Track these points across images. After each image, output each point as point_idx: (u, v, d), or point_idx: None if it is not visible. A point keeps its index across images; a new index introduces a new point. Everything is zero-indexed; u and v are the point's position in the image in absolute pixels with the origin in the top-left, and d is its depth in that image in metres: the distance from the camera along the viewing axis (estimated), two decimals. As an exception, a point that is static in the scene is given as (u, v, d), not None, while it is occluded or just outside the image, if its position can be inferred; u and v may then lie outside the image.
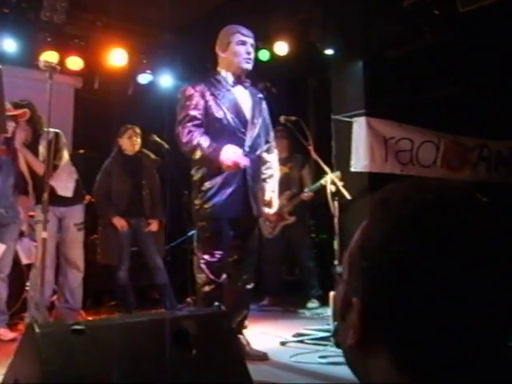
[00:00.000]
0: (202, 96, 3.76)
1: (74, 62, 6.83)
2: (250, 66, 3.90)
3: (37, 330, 1.81)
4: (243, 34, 3.88)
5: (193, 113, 3.72)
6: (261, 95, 4.12)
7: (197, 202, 3.81)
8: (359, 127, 5.69)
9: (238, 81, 3.92)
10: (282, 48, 6.59)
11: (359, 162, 5.66)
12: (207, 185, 3.75)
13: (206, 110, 3.75)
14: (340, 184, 4.14)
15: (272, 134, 4.19)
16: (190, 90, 3.79)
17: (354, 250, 0.77)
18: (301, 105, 7.73)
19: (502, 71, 6.32)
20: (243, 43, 3.86)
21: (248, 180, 3.81)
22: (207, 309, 2.89)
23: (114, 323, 2.07)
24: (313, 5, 6.07)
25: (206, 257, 3.76)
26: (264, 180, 4.07)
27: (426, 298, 0.67)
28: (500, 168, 6.47)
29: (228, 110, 3.79)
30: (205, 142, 3.60)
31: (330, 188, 4.16)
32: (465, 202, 0.73)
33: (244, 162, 3.59)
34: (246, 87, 3.96)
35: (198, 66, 6.91)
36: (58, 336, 1.86)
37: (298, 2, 6.25)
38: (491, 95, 6.38)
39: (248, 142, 3.82)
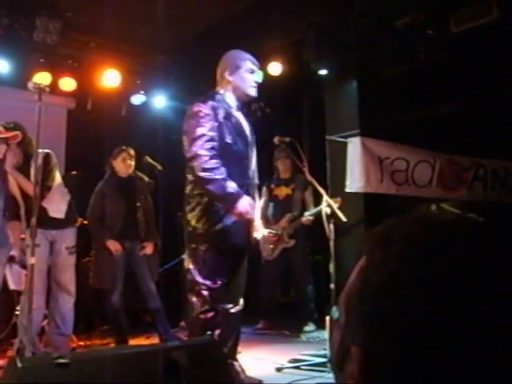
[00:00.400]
0: (216, 116, 3.67)
1: (67, 83, 6.81)
2: (255, 94, 3.90)
3: (19, 364, 1.73)
4: (253, 63, 3.91)
5: (211, 133, 3.60)
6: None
7: (200, 224, 3.66)
8: (354, 148, 5.64)
9: (239, 105, 3.91)
10: (275, 68, 6.58)
11: (354, 182, 5.60)
12: (214, 209, 3.65)
13: (219, 131, 3.66)
14: (335, 206, 4.07)
15: None
16: (206, 109, 3.66)
17: (351, 292, 0.71)
18: (295, 125, 7.70)
19: (496, 90, 6.32)
20: (252, 72, 3.89)
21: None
22: (198, 338, 2.80)
23: (101, 356, 1.99)
24: (306, 25, 6.05)
25: (208, 283, 3.62)
26: None
27: (433, 349, 0.60)
28: (496, 187, 6.44)
29: (237, 134, 3.76)
30: (225, 181, 3.51)
31: (326, 210, 4.09)
32: (473, 241, 0.67)
33: (252, 214, 3.64)
34: (243, 112, 3.96)
35: (191, 86, 6.89)
36: (41, 370, 1.78)
37: (292, 23, 6.24)
38: (486, 114, 6.38)
39: (251, 168, 3.84)
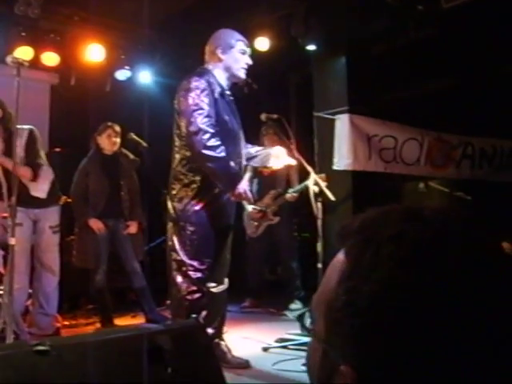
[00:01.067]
0: (212, 92, 3.60)
1: (50, 58, 6.64)
2: (244, 76, 3.84)
3: (-5, 352, 1.67)
4: (246, 45, 3.86)
5: (209, 109, 3.52)
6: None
7: (192, 202, 3.59)
8: (342, 125, 5.58)
9: (231, 86, 3.86)
10: (263, 44, 6.46)
11: (342, 160, 5.55)
12: (207, 190, 3.59)
13: (215, 109, 3.59)
14: (323, 185, 4.02)
15: None
16: (203, 83, 3.57)
17: (332, 301, 0.63)
18: (283, 101, 7.61)
19: (485, 68, 6.27)
20: (244, 53, 3.82)
21: None
22: (183, 322, 2.75)
23: (82, 341, 1.93)
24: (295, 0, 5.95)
25: (195, 263, 3.58)
26: (257, 156, 4.07)
27: (442, 365, 0.54)
28: (483, 165, 6.44)
29: (230, 113, 3.74)
30: (227, 161, 3.49)
31: (313, 189, 4.03)
32: (470, 235, 0.61)
33: (251, 200, 3.76)
34: (230, 95, 3.87)
35: (177, 62, 6.77)
36: (19, 358, 1.72)
37: (280, -3, 6.13)
38: (475, 92, 6.34)
39: (241, 148, 3.82)
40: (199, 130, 3.43)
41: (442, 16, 5.60)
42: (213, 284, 3.77)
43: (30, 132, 4.66)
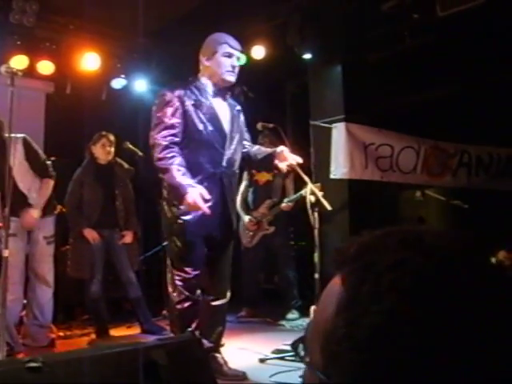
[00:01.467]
0: (182, 103, 3.58)
1: (45, 67, 6.62)
2: (233, 79, 3.74)
3: (-14, 369, 1.63)
4: (231, 46, 3.72)
5: (171, 121, 3.53)
6: (239, 108, 3.96)
7: (170, 215, 3.64)
8: (338, 133, 5.56)
9: (219, 92, 3.76)
10: (259, 52, 6.45)
11: (339, 168, 5.53)
12: (179, 211, 3.57)
13: (185, 119, 3.58)
14: (320, 194, 3.99)
15: (249, 145, 4.05)
16: (169, 95, 3.60)
17: (328, 332, 0.59)
18: (279, 110, 7.60)
19: (481, 76, 6.26)
20: (229, 55, 3.71)
21: (224, 196, 3.67)
22: (178, 336, 2.72)
23: (76, 357, 1.89)
24: (290, 8, 5.94)
25: (180, 273, 3.59)
26: (246, 149, 3.96)
27: None
28: (480, 174, 6.41)
29: (208, 121, 3.64)
30: (178, 171, 3.43)
31: (310, 198, 4.01)
32: (472, 265, 0.58)
33: (206, 209, 3.41)
34: (225, 99, 3.81)
35: (173, 70, 6.75)
36: (10, 376, 1.68)
37: (276, 6, 6.13)
38: (472, 100, 6.33)
39: (226, 156, 3.68)
40: (154, 144, 3.53)
41: (437, 24, 5.60)
42: (211, 297, 3.76)
43: (24, 141, 4.64)
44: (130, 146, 5.71)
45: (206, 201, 3.45)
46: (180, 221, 3.56)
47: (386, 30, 5.98)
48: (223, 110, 3.77)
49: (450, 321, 0.53)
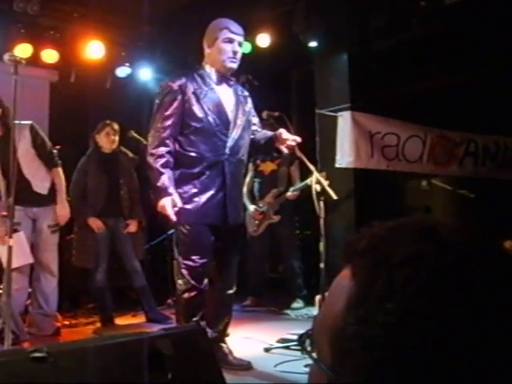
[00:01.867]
0: (183, 93, 3.56)
1: (50, 55, 6.60)
2: (234, 66, 3.67)
3: (-10, 359, 1.62)
4: (231, 31, 3.63)
5: (168, 112, 3.55)
6: (246, 93, 3.91)
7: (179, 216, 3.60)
8: (344, 122, 5.52)
9: (222, 78, 3.70)
10: (264, 40, 6.41)
11: (344, 157, 5.49)
12: (184, 188, 3.56)
13: (186, 108, 3.56)
14: (326, 183, 3.96)
15: (258, 122, 4.00)
16: (170, 86, 3.60)
17: (338, 327, 0.57)
18: (284, 98, 7.55)
19: (488, 64, 6.21)
20: (230, 41, 3.63)
21: (227, 185, 3.60)
22: (184, 326, 2.71)
23: (80, 348, 1.88)
24: (296, -5, 5.89)
25: (187, 262, 3.56)
26: (254, 135, 3.89)
27: None
28: (487, 163, 6.37)
29: (210, 109, 3.59)
30: (160, 174, 3.48)
31: (316, 188, 3.98)
32: (492, 260, 0.56)
33: (172, 219, 3.47)
34: (230, 85, 3.74)
35: (178, 59, 6.72)
36: (15, 365, 1.67)
37: (281, -7, 6.08)
38: (478, 88, 6.27)
39: (229, 144, 3.62)
40: (151, 135, 3.60)
41: (444, 12, 5.55)
42: (218, 287, 3.76)
43: (31, 128, 4.64)
44: (135, 135, 5.69)
45: (206, 191, 3.51)
46: (186, 208, 3.54)
47: (392, 18, 5.93)
48: (227, 96, 3.71)
49: (469, 319, 0.50)
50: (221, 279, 3.76)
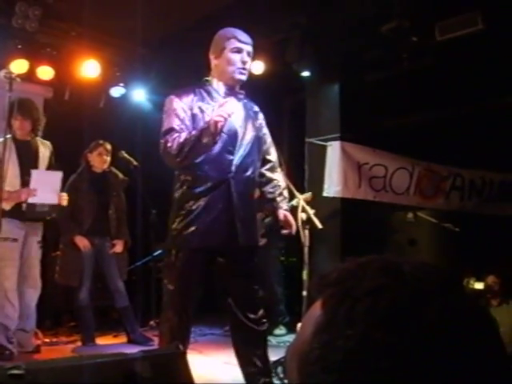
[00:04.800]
0: (190, 108, 3.35)
1: (45, 72, 6.65)
2: (244, 77, 3.43)
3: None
4: (239, 41, 3.39)
5: (178, 127, 3.30)
6: (257, 109, 3.66)
7: (174, 225, 3.37)
8: (333, 152, 5.60)
9: (231, 92, 3.42)
10: (258, 67, 6.49)
11: (332, 187, 5.56)
12: (187, 207, 3.31)
13: (192, 124, 3.34)
14: (311, 212, 4.01)
15: (273, 152, 3.72)
16: (177, 101, 3.35)
17: (305, 353, 0.61)
18: (275, 126, 7.60)
19: (476, 101, 6.33)
20: (239, 51, 3.38)
21: (234, 202, 3.34)
22: (163, 348, 2.72)
23: (59, 366, 1.90)
24: (291, 25, 5.99)
25: (170, 287, 3.39)
26: (273, 200, 3.64)
27: None
28: (473, 197, 6.46)
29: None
30: (188, 134, 3.22)
31: (301, 216, 4.02)
32: (450, 297, 0.60)
33: (229, 110, 3.17)
34: (239, 99, 3.46)
35: (171, 81, 6.77)
36: (-7, 383, 1.69)
37: (276, 22, 6.17)
38: (466, 124, 6.39)
39: (236, 161, 3.37)
40: (165, 151, 3.29)
41: (436, 48, 5.66)
42: (240, 314, 3.50)
43: (51, 148, 4.79)
44: (126, 156, 5.73)
45: (211, 212, 3.28)
46: (184, 232, 3.32)
47: (384, 52, 6.04)
48: (236, 111, 3.42)
49: (420, 349, 0.54)
50: (239, 306, 3.49)
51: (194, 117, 3.34)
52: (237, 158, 3.38)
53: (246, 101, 3.57)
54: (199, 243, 3.33)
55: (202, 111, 3.35)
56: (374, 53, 6.15)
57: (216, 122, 3.14)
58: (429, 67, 6.09)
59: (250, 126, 3.49)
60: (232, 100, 3.28)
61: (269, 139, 3.70)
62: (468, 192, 6.39)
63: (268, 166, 3.67)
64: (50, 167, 4.90)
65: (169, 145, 3.25)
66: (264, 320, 3.57)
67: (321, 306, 0.63)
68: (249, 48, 3.44)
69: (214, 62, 3.48)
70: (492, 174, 6.45)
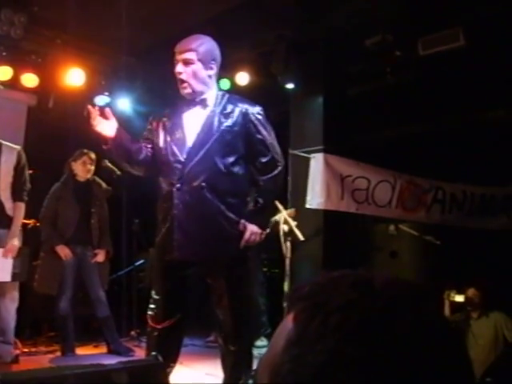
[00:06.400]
0: (157, 126, 3.40)
1: (29, 79, 6.62)
2: (185, 91, 3.28)
3: None
4: (175, 53, 3.28)
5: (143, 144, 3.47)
6: (229, 110, 3.34)
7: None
8: (316, 163, 5.62)
9: (193, 102, 3.34)
10: (243, 78, 6.53)
11: (315, 198, 5.58)
12: (159, 217, 3.36)
13: (154, 141, 3.43)
14: (293, 224, 4.03)
15: (266, 151, 3.43)
16: (151, 117, 3.54)
17: (277, 366, 0.61)
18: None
19: (458, 115, 6.41)
20: (176, 64, 3.28)
21: (182, 216, 3.22)
22: (142, 359, 2.71)
23: (35, 377, 1.89)
24: (276, 38, 6.04)
25: (152, 296, 3.42)
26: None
27: None
28: (453, 211, 6.50)
29: (171, 138, 3.33)
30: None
31: (283, 228, 4.04)
32: (420, 313, 0.61)
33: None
34: (204, 107, 3.33)
35: (156, 91, 6.79)
36: (-32, 394, 1.68)
37: (262, 34, 6.21)
38: (447, 137, 6.46)
39: (185, 170, 3.23)
40: None
41: (418, 62, 5.73)
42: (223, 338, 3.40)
43: (19, 153, 4.70)
44: (109, 165, 5.72)
45: (162, 223, 3.26)
46: (156, 242, 3.42)
47: (368, 65, 6.11)
48: (195, 119, 3.34)
49: (391, 363, 0.56)
50: (221, 328, 3.41)
51: (157, 134, 3.40)
52: (186, 168, 3.24)
53: (226, 104, 3.35)
54: (159, 254, 3.37)
55: (164, 127, 3.38)
56: (357, 66, 6.21)
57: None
58: (412, 81, 6.16)
59: (209, 133, 3.27)
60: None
61: (257, 139, 3.39)
62: (449, 205, 6.44)
63: (257, 168, 3.46)
64: (15, 177, 4.69)
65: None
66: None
67: (292, 319, 0.64)
68: (183, 56, 3.24)
69: None
70: (473, 187, 6.51)
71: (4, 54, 6.34)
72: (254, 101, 3.61)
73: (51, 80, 6.72)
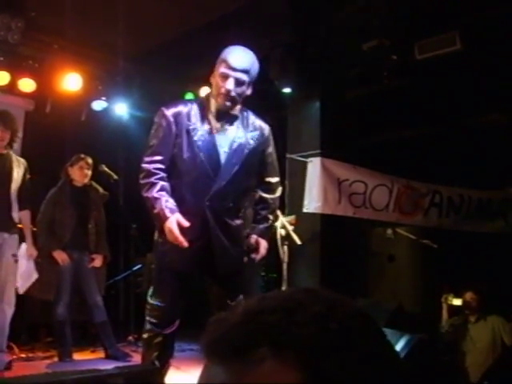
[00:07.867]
0: (176, 124, 3.20)
1: (27, 84, 6.62)
2: (226, 104, 3.20)
3: None
4: (229, 67, 3.15)
5: (158, 147, 3.24)
6: (257, 134, 3.40)
7: (156, 240, 3.38)
8: (314, 168, 5.63)
9: (223, 115, 3.28)
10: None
11: (312, 202, 5.58)
12: (161, 239, 3.30)
13: (174, 145, 3.23)
14: (290, 229, 4.03)
15: (274, 173, 3.58)
16: (162, 117, 3.23)
17: None
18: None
19: (455, 119, 6.42)
20: (225, 77, 3.16)
21: (211, 231, 3.26)
22: (138, 364, 2.71)
23: (32, 382, 1.88)
24: (273, 42, 6.05)
25: (151, 302, 3.38)
26: (257, 221, 3.59)
27: None
28: (450, 215, 6.51)
29: (200, 149, 3.21)
30: (156, 200, 3.12)
31: (280, 232, 4.04)
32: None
33: (184, 243, 3.07)
34: (232, 123, 3.30)
35: (153, 96, 6.79)
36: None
37: (259, 39, 6.22)
38: (445, 141, 6.47)
39: (215, 188, 3.23)
40: (141, 168, 3.26)
41: (415, 66, 5.75)
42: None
43: (25, 165, 4.78)
44: (106, 169, 5.72)
45: (185, 235, 3.11)
46: (161, 249, 3.34)
47: (365, 70, 6.12)
48: (226, 136, 3.29)
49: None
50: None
51: (176, 137, 3.22)
52: (216, 186, 3.24)
53: (242, 126, 3.36)
54: (171, 264, 3.32)
55: (188, 132, 3.22)
56: (354, 70, 6.22)
57: (169, 230, 3.08)
58: (408, 85, 6.18)
59: (239, 155, 3.29)
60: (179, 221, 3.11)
61: (270, 159, 3.52)
62: (446, 209, 6.45)
63: (264, 187, 3.56)
64: (22, 186, 4.84)
65: (140, 177, 3.23)
66: None
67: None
68: (238, 75, 3.18)
69: (210, 80, 3.32)
70: (470, 191, 6.52)
71: (1, 58, 6.34)
72: (251, 106, 3.61)
73: (48, 85, 6.73)
